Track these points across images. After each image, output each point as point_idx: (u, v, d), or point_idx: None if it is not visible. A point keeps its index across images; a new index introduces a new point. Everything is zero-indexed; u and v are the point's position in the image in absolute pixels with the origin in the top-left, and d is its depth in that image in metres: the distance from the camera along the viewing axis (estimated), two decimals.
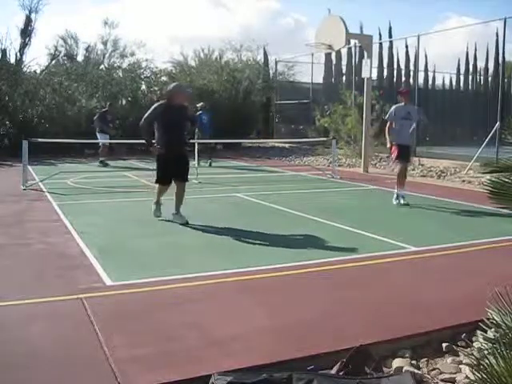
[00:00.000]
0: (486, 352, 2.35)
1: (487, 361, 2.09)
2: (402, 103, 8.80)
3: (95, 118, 15.43)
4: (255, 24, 47.76)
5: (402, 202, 8.59)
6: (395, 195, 8.73)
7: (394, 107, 8.87)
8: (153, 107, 7.15)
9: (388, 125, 8.81)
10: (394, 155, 8.74)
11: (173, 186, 7.17)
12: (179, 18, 50.78)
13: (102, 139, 14.80)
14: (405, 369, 3.08)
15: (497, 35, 21.46)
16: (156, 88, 21.78)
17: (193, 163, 11.08)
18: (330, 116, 17.68)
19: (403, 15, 54.63)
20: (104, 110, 15.76)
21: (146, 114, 7.08)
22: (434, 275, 4.84)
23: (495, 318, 2.54)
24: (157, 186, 7.24)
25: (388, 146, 8.88)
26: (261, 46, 25.48)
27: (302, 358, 3.09)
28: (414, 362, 3.23)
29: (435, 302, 4.07)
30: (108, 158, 15.12)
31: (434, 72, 25.06)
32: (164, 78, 22.65)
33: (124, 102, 21.04)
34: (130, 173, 13.02)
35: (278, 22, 50.11)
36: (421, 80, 22.66)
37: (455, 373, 3.11)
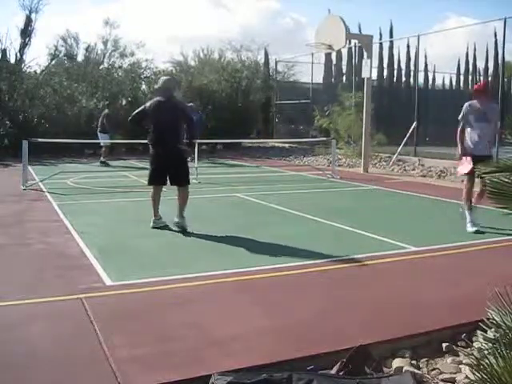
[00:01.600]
0: (486, 352, 2.35)
1: (487, 361, 2.09)
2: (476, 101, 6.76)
3: (102, 118, 15.39)
4: (255, 24, 47.81)
5: (470, 229, 6.61)
6: (468, 220, 6.71)
7: (466, 105, 6.81)
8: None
9: (460, 127, 6.78)
10: (462, 166, 6.65)
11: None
12: (179, 18, 50.85)
13: (103, 139, 14.83)
14: (405, 369, 3.08)
15: (495, 35, 21.50)
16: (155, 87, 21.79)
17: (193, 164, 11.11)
18: (329, 116, 17.70)
19: (403, 15, 54.67)
20: (106, 111, 15.70)
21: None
22: (434, 275, 4.84)
23: (495, 318, 2.54)
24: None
25: (458, 153, 6.81)
26: (262, 47, 25.57)
27: (302, 358, 3.09)
28: (414, 362, 3.23)
29: (435, 302, 4.07)
30: (108, 158, 15.16)
31: (434, 72, 25.09)
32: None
33: (124, 102, 21.06)
34: (130, 173, 13.02)
35: (277, 21, 50.14)
36: (421, 80, 22.68)
37: (455, 373, 3.11)
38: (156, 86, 6.77)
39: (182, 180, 6.60)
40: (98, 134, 15.08)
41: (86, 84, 20.00)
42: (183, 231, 6.45)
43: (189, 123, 6.67)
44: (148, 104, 6.76)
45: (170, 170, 6.55)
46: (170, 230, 6.57)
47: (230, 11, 51.25)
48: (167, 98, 6.58)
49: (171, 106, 6.56)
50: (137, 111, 6.82)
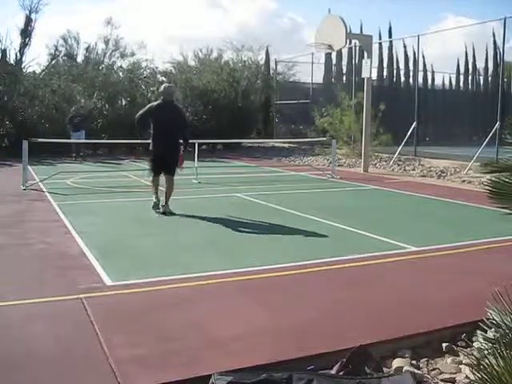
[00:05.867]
0: (485, 352, 2.35)
1: (487, 361, 2.09)
2: None
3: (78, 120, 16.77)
4: (252, 24, 47.74)
5: None
6: None
7: None
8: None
9: None
10: None
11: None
12: (177, 18, 50.78)
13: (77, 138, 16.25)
14: (405, 369, 3.08)
15: (493, 35, 21.55)
16: (154, 88, 21.79)
17: (192, 164, 11.13)
18: (329, 115, 17.69)
19: (401, 15, 54.58)
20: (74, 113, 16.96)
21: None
22: (434, 275, 4.84)
23: (495, 318, 2.54)
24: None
25: None
26: (263, 47, 25.53)
27: (302, 358, 3.09)
28: (414, 361, 3.23)
29: (435, 301, 4.07)
30: (106, 158, 15.67)
31: (434, 72, 25.11)
32: (163, 78, 22.65)
33: (124, 102, 21.06)
34: (130, 173, 13.02)
35: (274, 22, 50.07)
36: (420, 80, 22.69)
37: (455, 373, 3.11)
38: (159, 91, 8.69)
39: (171, 169, 7.72)
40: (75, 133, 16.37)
41: (84, 84, 19.98)
42: (169, 212, 7.44)
43: (184, 123, 8.02)
44: (152, 104, 8.06)
45: (165, 161, 7.66)
46: (170, 229, 6.55)
47: (228, 12, 51.27)
48: (169, 101, 7.80)
49: (172, 107, 7.84)
50: (143, 110, 7.92)
